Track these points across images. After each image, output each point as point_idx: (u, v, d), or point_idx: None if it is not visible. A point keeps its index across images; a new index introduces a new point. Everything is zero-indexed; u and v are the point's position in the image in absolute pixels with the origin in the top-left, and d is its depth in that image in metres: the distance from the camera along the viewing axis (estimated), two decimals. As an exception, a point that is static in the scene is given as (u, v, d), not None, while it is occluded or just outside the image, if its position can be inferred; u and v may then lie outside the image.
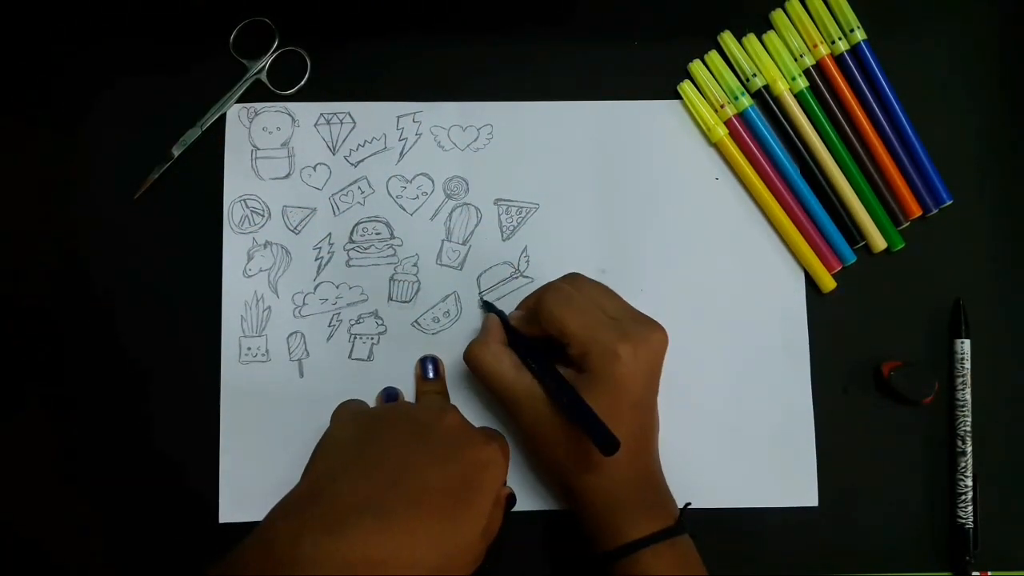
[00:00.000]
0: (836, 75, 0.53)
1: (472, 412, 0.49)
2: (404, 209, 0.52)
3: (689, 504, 0.45)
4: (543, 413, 0.43)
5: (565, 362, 0.45)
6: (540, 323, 0.45)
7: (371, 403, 0.50)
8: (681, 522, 0.43)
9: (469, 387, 0.51)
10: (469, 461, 0.41)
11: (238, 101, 0.52)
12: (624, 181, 0.53)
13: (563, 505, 0.50)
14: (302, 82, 0.53)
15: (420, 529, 0.38)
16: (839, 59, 0.53)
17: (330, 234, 0.52)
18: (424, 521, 0.38)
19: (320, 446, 0.44)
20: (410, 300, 0.51)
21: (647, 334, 0.44)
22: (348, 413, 0.47)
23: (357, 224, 0.52)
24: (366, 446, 0.42)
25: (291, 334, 0.51)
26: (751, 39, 0.53)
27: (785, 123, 0.52)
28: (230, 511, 0.49)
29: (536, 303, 0.46)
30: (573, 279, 0.47)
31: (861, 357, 0.52)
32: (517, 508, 0.49)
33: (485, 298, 0.51)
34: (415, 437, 0.42)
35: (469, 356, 0.46)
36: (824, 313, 0.52)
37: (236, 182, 0.52)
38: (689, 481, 0.46)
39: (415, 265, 0.52)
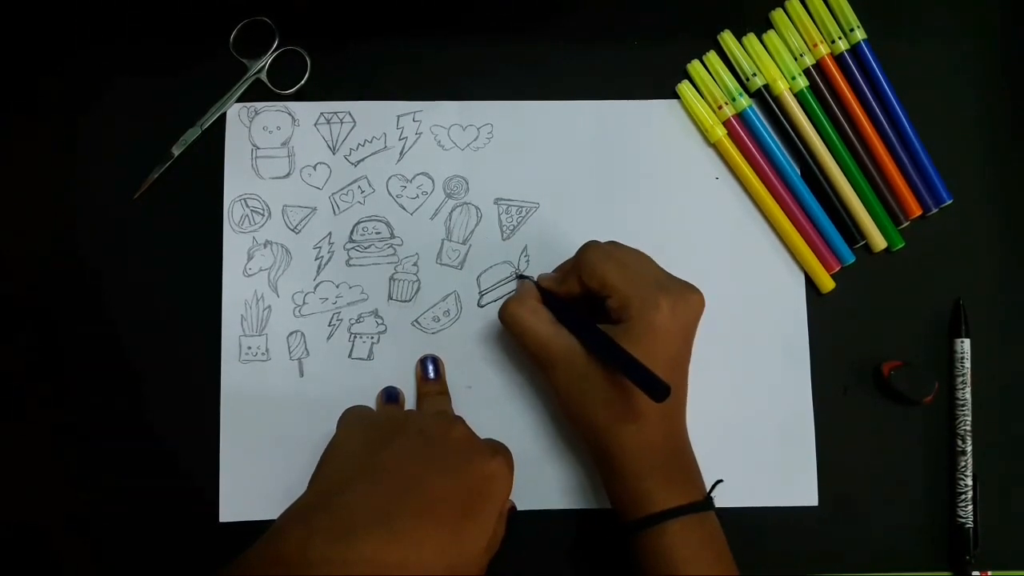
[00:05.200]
0: (836, 75, 0.53)
1: (477, 406, 0.49)
2: (404, 208, 0.52)
3: (721, 481, 0.45)
4: (581, 370, 0.43)
5: (601, 319, 0.45)
6: (579, 278, 0.45)
7: (371, 403, 0.50)
8: (710, 498, 0.44)
9: (475, 379, 0.51)
10: (476, 473, 0.41)
11: (238, 101, 0.52)
12: (624, 180, 0.53)
13: (569, 504, 0.50)
14: (302, 82, 0.53)
15: (427, 540, 0.38)
16: (839, 59, 0.53)
17: (330, 233, 0.52)
18: (431, 532, 0.38)
19: (327, 453, 0.44)
20: (410, 299, 0.51)
21: (687, 293, 0.44)
22: (355, 420, 0.46)
23: (357, 223, 0.52)
24: (374, 456, 0.42)
25: (291, 333, 0.51)
26: (751, 39, 0.53)
27: (785, 122, 0.52)
28: (230, 511, 0.49)
29: (576, 258, 0.46)
30: (613, 241, 0.47)
31: (861, 357, 0.52)
32: (523, 508, 0.49)
33: (520, 273, 0.51)
34: (423, 448, 0.42)
35: (506, 314, 0.46)
36: (824, 313, 0.52)
37: (236, 181, 0.52)
38: (689, 481, 0.46)
39: (415, 264, 0.52)
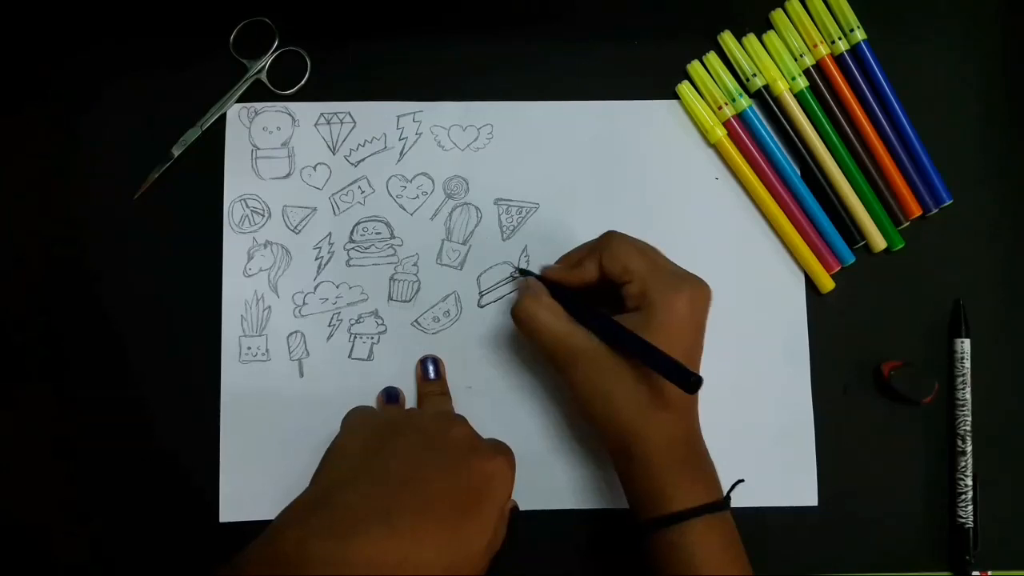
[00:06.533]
0: (836, 75, 0.53)
1: (477, 406, 0.49)
2: (404, 209, 0.52)
3: (742, 480, 0.45)
4: (603, 366, 0.43)
5: (611, 304, 0.45)
6: (598, 263, 0.45)
7: (372, 403, 0.50)
8: (728, 498, 0.43)
9: (475, 380, 0.51)
10: (477, 472, 0.41)
11: (238, 101, 0.52)
12: (624, 181, 0.53)
13: (571, 504, 0.50)
14: (302, 82, 0.53)
15: (427, 537, 0.38)
16: (839, 59, 0.53)
17: (330, 234, 0.52)
18: (431, 530, 0.38)
19: (329, 453, 0.44)
20: (410, 300, 0.51)
21: (699, 285, 0.45)
22: (358, 420, 0.46)
23: (357, 224, 0.52)
24: (375, 454, 0.42)
25: (291, 334, 0.51)
26: (751, 39, 0.53)
27: (785, 123, 0.52)
28: (230, 511, 0.49)
29: (598, 241, 0.46)
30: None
31: (861, 357, 0.52)
32: (524, 508, 0.49)
33: (520, 268, 0.51)
34: (424, 447, 0.42)
35: (520, 312, 0.45)
36: (824, 313, 0.52)
37: (236, 182, 0.52)
38: (689, 481, 0.46)
39: (415, 265, 0.52)
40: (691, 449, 0.44)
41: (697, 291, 0.44)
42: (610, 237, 0.46)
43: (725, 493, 0.44)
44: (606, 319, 0.44)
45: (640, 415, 0.43)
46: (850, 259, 0.52)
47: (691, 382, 0.39)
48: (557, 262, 0.49)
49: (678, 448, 0.43)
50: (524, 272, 0.50)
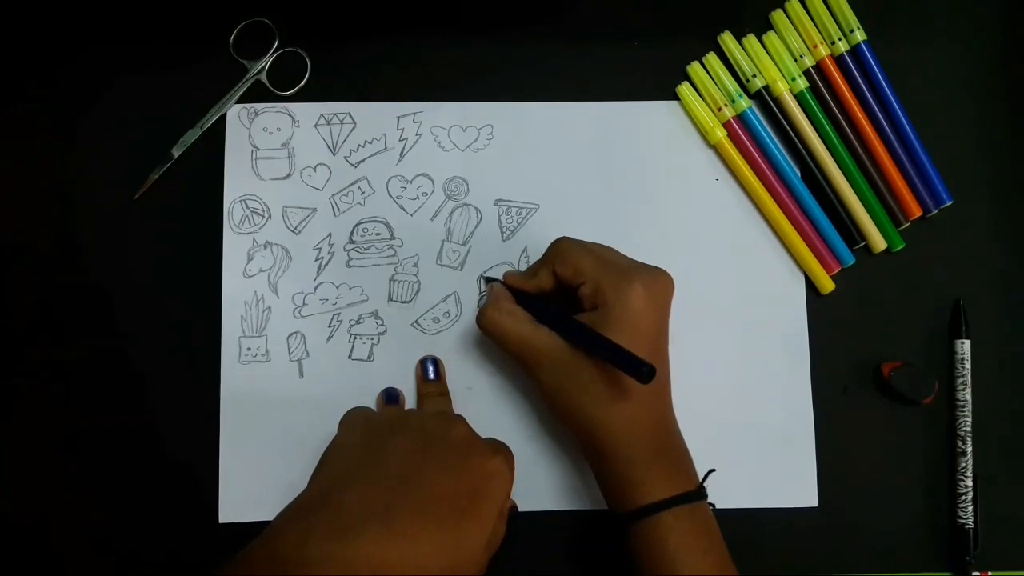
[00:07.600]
0: (836, 75, 0.53)
1: (477, 406, 0.49)
2: (404, 209, 0.52)
3: (713, 470, 0.45)
4: (566, 364, 0.44)
5: (575, 309, 0.45)
6: (551, 270, 0.46)
7: (371, 404, 0.50)
8: (703, 488, 0.44)
9: (475, 380, 0.51)
10: (476, 471, 0.42)
11: (238, 101, 0.52)
12: (624, 182, 0.53)
13: (569, 505, 0.50)
14: (302, 82, 0.53)
15: (425, 536, 0.38)
16: (839, 59, 0.53)
17: (330, 234, 0.52)
18: (429, 528, 0.39)
19: (328, 453, 0.44)
20: (410, 300, 0.51)
21: (656, 274, 0.45)
22: (356, 420, 0.46)
23: (357, 224, 0.52)
24: (373, 453, 0.42)
25: (291, 334, 0.51)
26: (751, 39, 0.53)
27: (785, 123, 0.52)
28: (230, 511, 0.49)
29: (548, 250, 0.47)
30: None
31: (861, 357, 0.52)
32: (522, 509, 0.49)
33: (485, 275, 0.52)
34: (422, 446, 0.42)
35: (484, 320, 0.46)
36: (824, 313, 0.52)
37: (236, 182, 0.52)
38: (689, 481, 0.45)
39: (415, 265, 0.52)
40: (660, 441, 0.44)
41: (652, 281, 0.44)
42: (559, 243, 0.46)
43: (698, 483, 0.44)
44: (565, 318, 0.44)
45: (602, 409, 0.43)
46: (850, 260, 0.52)
47: (644, 372, 0.39)
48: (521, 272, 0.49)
49: (644, 440, 0.43)
50: (489, 280, 0.51)
